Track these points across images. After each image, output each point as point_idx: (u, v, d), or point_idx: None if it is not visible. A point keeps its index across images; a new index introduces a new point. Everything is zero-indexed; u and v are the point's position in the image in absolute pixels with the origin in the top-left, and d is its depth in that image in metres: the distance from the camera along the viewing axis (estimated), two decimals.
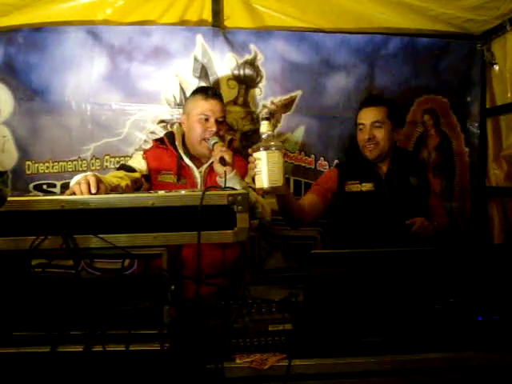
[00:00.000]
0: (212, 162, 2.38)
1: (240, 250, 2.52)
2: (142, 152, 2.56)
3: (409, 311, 1.75)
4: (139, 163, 2.46)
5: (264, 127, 1.95)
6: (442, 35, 3.17)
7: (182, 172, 2.46)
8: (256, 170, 1.92)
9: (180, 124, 2.61)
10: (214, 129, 2.41)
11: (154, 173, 2.46)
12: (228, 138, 2.60)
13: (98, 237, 1.53)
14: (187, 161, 2.47)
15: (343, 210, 2.59)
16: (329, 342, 1.68)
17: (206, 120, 2.43)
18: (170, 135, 2.56)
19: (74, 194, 1.73)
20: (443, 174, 3.19)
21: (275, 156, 1.91)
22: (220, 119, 2.46)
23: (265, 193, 1.99)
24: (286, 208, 2.33)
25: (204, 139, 2.41)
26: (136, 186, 2.34)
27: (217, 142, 2.33)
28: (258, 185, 1.94)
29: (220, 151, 2.25)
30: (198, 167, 2.48)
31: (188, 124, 2.49)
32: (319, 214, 2.61)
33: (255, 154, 1.93)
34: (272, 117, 3.08)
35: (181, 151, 2.49)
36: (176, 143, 2.51)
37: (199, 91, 2.55)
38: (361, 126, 2.59)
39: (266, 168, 1.90)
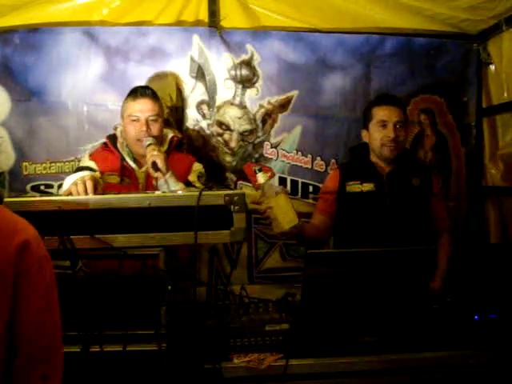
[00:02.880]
0: None
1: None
2: (87, 155, 2.56)
3: (406, 311, 1.75)
4: (93, 164, 2.44)
5: (261, 178, 2.05)
6: (438, 35, 3.17)
7: (125, 172, 2.44)
8: (271, 218, 2.01)
9: None
10: (144, 128, 2.38)
11: (101, 174, 2.43)
12: (169, 135, 2.59)
13: (95, 237, 1.53)
14: (130, 162, 2.47)
15: (344, 210, 2.56)
16: (326, 342, 1.68)
17: (137, 121, 2.41)
18: (113, 138, 2.55)
19: (70, 194, 1.73)
20: (440, 174, 3.19)
21: (282, 199, 2.01)
22: (152, 118, 2.42)
23: (285, 235, 2.08)
24: (303, 236, 2.35)
25: (139, 140, 2.39)
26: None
27: (150, 144, 2.30)
28: (276, 230, 2.04)
29: (151, 156, 2.22)
30: (140, 167, 2.48)
31: (123, 127, 2.49)
32: (332, 229, 2.62)
33: (264, 205, 2.01)
34: (269, 117, 3.09)
35: (123, 153, 2.48)
36: (118, 145, 2.51)
37: (129, 93, 2.51)
38: (383, 123, 2.48)
39: (279, 212, 1.99)
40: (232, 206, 1.57)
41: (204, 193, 1.57)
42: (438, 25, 3.10)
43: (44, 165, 2.96)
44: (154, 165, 2.19)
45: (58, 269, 1.95)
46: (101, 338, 1.51)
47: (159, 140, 2.46)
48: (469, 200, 3.26)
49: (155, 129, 2.43)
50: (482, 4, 2.81)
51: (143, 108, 2.42)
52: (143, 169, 2.46)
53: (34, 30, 2.91)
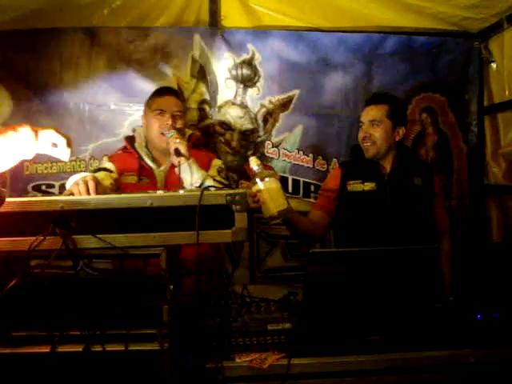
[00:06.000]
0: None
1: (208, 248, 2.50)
2: (107, 157, 2.55)
3: (408, 310, 1.75)
4: (110, 166, 2.45)
5: (253, 163, 2.06)
6: (440, 33, 3.17)
7: (143, 172, 2.45)
8: (260, 201, 2.00)
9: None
10: (170, 122, 2.41)
11: (118, 175, 2.45)
12: (188, 132, 2.61)
13: (96, 237, 1.53)
14: (148, 161, 2.48)
15: (345, 209, 2.57)
16: (328, 341, 1.68)
17: (162, 114, 2.44)
18: (131, 139, 2.58)
19: (72, 194, 1.73)
20: (441, 172, 3.18)
21: (272, 183, 2.01)
22: (176, 113, 2.46)
23: (273, 219, 2.06)
24: (295, 228, 2.40)
25: (162, 133, 2.41)
26: (116, 186, 2.33)
27: (173, 134, 2.33)
28: (266, 214, 2.02)
29: (174, 143, 2.27)
30: (159, 167, 2.48)
31: (146, 124, 2.51)
32: (328, 226, 2.63)
33: (254, 188, 2.01)
34: (270, 117, 3.09)
35: (141, 152, 2.49)
36: (136, 145, 2.52)
37: (155, 91, 2.57)
38: (360, 124, 2.57)
39: (268, 196, 1.99)
40: (234, 206, 1.57)
41: (206, 192, 1.57)
42: (439, 23, 3.11)
43: (45, 165, 2.96)
44: (177, 151, 2.24)
45: (59, 269, 1.97)
46: (103, 337, 1.51)
47: (182, 135, 2.47)
48: (470, 198, 3.26)
49: (180, 123, 2.46)
50: (483, 2, 2.81)
51: (169, 103, 2.47)
52: (162, 168, 2.47)
53: (36, 29, 2.91)
